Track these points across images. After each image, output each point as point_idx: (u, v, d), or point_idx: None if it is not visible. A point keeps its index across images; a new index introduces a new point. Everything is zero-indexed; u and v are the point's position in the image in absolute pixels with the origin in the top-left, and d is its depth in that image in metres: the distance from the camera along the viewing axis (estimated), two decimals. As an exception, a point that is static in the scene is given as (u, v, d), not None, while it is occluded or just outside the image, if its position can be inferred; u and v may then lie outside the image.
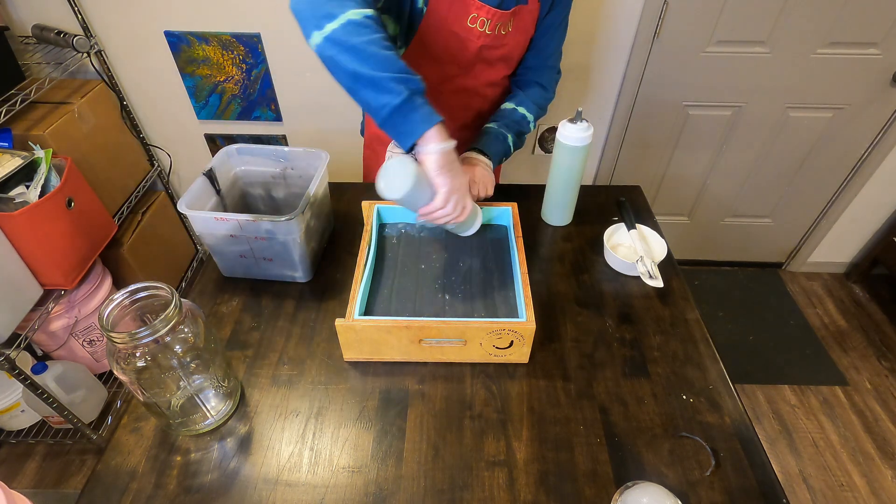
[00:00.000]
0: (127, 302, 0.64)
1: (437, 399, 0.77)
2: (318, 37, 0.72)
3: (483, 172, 1.00)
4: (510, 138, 1.05)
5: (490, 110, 1.11)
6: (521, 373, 0.80)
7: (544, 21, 1.00)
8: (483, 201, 1.00)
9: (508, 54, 1.01)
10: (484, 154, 1.03)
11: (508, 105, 1.08)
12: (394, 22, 0.92)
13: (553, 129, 1.85)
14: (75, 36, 1.49)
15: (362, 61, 0.70)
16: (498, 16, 0.91)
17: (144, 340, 0.59)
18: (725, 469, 0.69)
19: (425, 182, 0.76)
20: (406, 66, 0.73)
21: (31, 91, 1.38)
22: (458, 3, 0.88)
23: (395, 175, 0.74)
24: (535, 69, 1.08)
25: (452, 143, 0.76)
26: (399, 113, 0.72)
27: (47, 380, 1.42)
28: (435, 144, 0.74)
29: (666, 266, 0.96)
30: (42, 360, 1.52)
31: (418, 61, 0.95)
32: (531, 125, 1.09)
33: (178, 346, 0.64)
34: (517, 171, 1.97)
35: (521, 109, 1.07)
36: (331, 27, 0.70)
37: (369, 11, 0.73)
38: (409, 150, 0.76)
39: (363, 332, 0.76)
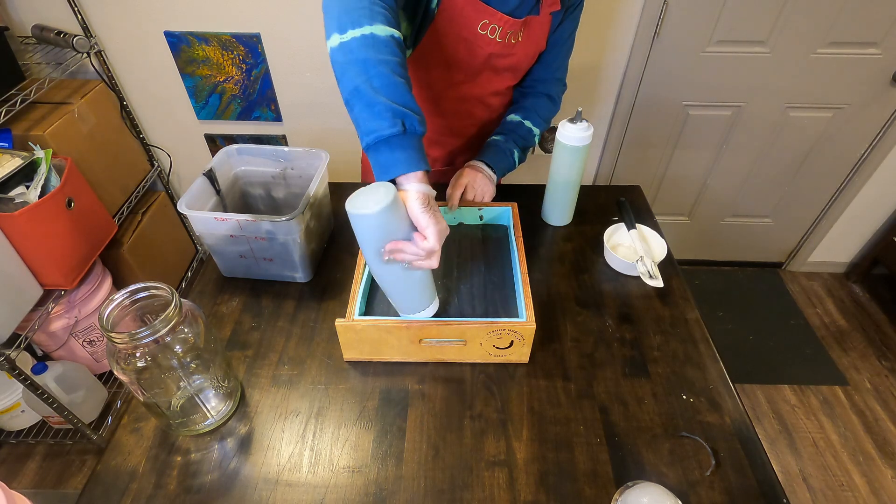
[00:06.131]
0: (127, 302, 0.64)
1: (437, 399, 0.77)
2: (335, 40, 0.68)
3: (484, 180, 1.00)
4: (516, 154, 1.04)
5: (492, 120, 1.10)
6: (521, 373, 0.80)
7: (553, 35, 1.00)
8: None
9: (516, 64, 0.99)
10: (489, 167, 1.02)
11: (515, 118, 1.06)
12: (407, 21, 0.90)
13: (553, 129, 1.85)
14: (75, 36, 1.49)
15: (368, 78, 0.65)
16: (510, 24, 0.89)
17: (144, 341, 0.59)
18: (725, 469, 0.69)
19: (404, 213, 0.66)
20: (413, 99, 0.67)
21: (31, 91, 1.38)
22: (471, 7, 0.87)
23: (373, 193, 0.64)
24: (544, 81, 1.06)
25: (433, 192, 0.68)
26: (386, 145, 0.65)
27: (47, 380, 1.42)
28: (417, 184, 0.65)
29: (666, 266, 0.96)
30: (42, 361, 1.52)
31: (425, 65, 0.94)
32: (536, 139, 1.08)
33: (178, 346, 0.64)
34: (517, 171, 1.96)
35: (528, 123, 1.05)
36: (352, 34, 0.67)
37: (396, 33, 0.69)
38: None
39: (363, 332, 0.76)
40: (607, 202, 1.13)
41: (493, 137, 1.05)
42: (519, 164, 1.07)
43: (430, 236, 0.66)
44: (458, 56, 0.93)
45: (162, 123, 1.87)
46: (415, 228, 0.67)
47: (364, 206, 0.62)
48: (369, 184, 0.66)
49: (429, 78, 0.97)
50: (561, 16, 0.97)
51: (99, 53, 1.63)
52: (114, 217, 1.65)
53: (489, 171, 1.01)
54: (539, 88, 1.07)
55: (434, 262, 0.69)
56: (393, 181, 0.66)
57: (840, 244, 2.19)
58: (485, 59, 0.95)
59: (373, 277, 0.87)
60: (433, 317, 0.78)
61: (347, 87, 0.66)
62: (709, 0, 1.54)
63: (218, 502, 0.66)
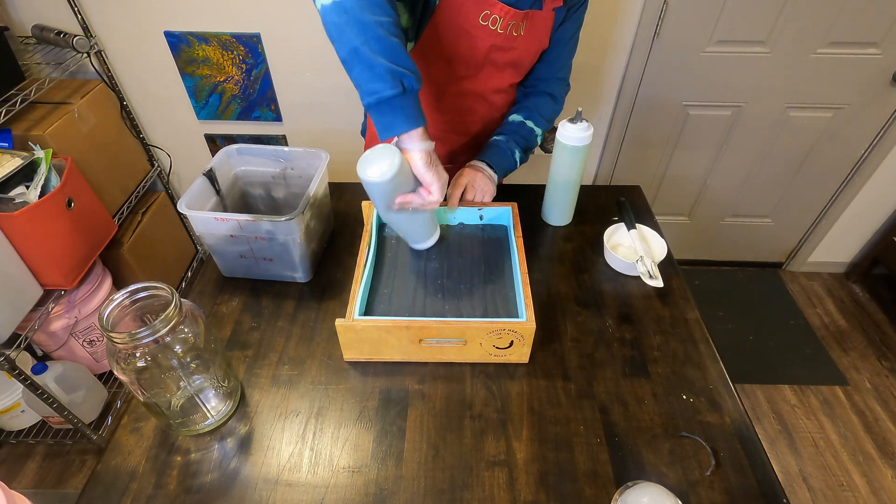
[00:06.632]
0: (127, 302, 0.64)
1: (437, 399, 0.77)
2: None
3: (485, 180, 1.00)
4: (517, 154, 1.04)
5: (494, 118, 1.10)
6: (521, 373, 0.80)
7: (556, 33, 0.99)
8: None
9: (518, 60, 0.99)
10: (490, 167, 1.02)
11: (517, 118, 1.06)
12: (408, 13, 0.90)
13: (553, 129, 1.85)
14: (75, 36, 1.49)
15: (367, 40, 0.69)
16: (511, 14, 0.89)
17: (144, 341, 0.59)
18: (725, 469, 0.69)
19: (409, 171, 0.76)
20: (409, 58, 0.72)
21: (31, 91, 1.39)
22: None
23: (382, 158, 0.73)
24: (546, 80, 1.06)
25: (433, 144, 0.76)
26: (388, 105, 0.71)
27: (47, 380, 1.42)
28: (419, 142, 0.74)
29: (666, 266, 0.96)
30: (42, 361, 1.52)
31: (427, 58, 0.94)
32: (538, 139, 1.08)
33: (178, 346, 0.64)
34: (517, 171, 1.97)
35: (530, 123, 1.05)
36: None
37: None
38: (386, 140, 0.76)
39: (363, 332, 0.76)
40: (607, 202, 1.13)
41: (495, 137, 1.05)
42: (521, 164, 1.07)
43: (435, 191, 0.77)
44: (459, 50, 0.93)
45: (162, 123, 1.87)
46: (419, 182, 0.78)
47: (374, 172, 0.72)
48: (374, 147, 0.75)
49: (430, 72, 0.97)
50: (564, 13, 0.97)
51: (99, 53, 1.63)
52: (114, 217, 1.65)
53: (490, 170, 1.01)
54: (541, 87, 1.07)
55: (436, 206, 0.80)
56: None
57: (840, 244, 2.19)
58: (486, 53, 0.94)
59: (373, 277, 0.88)
60: (437, 317, 0.78)
61: (346, 48, 0.71)
62: (709, 0, 1.54)
63: (218, 502, 0.66)
